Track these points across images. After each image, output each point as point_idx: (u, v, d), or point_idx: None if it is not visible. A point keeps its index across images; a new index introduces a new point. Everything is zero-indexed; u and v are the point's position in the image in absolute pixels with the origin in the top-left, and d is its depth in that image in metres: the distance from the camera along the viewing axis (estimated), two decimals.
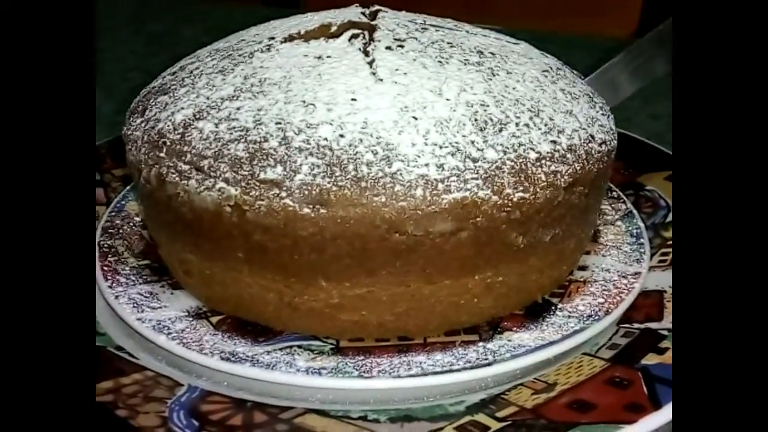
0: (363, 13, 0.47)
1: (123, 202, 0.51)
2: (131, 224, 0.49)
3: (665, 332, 0.40)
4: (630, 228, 0.49)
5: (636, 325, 0.41)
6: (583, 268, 0.46)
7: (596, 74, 0.58)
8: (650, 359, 0.38)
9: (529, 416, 0.35)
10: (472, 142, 0.37)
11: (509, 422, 0.35)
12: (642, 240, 0.48)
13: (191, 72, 0.43)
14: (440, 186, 0.36)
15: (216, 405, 0.36)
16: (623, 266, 0.46)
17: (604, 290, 0.44)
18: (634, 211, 0.51)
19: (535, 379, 0.38)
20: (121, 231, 0.49)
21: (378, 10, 0.47)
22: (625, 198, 0.53)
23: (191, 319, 0.41)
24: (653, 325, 0.41)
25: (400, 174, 0.36)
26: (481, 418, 0.35)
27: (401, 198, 0.36)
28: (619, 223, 0.50)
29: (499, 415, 0.35)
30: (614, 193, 0.53)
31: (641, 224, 0.50)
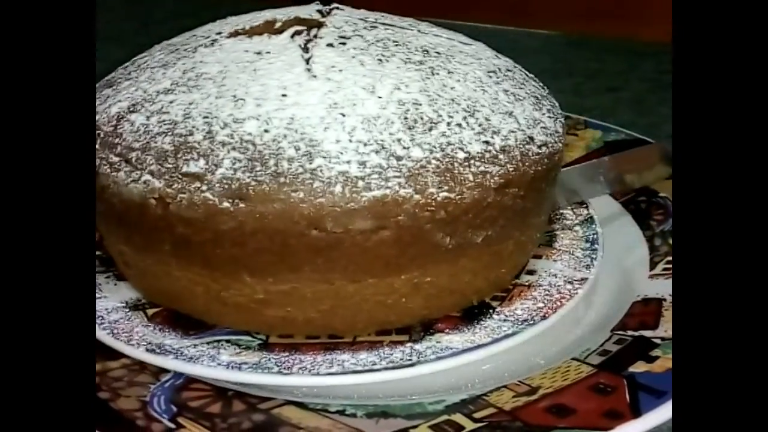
0: (319, 11, 0.47)
1: None
2: None
3: (658, 341, 0.40)
4: (587, 233, 0.48)
5: (630, 332, 0.41)
6: (531, 272, 0.45)
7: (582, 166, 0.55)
8: (638, 367, 0.38)
9: (506, 418, 0.35)
10: (399, 141, 0.37)
11: (485, 423, 0.35)
12: (596, 246, 0.47)
13: (139, 66, 0.44)
14: (360, 183, 0.36)
15: (197, 392, 0.37)
16: (572, 271, 0.45)
17: (546, 295, 0.43)
18: (595, 217, 0.50)
19: (519, 381, 0.38)
20: None
21: (334, 8, 0.47)
22: (588, 203, 0.52)
23: (128, 310, 0.42)
24: (647, 333, 0.41)
25: (321, 170, 0.36)
26: (457, 418, 0.35)
27: (320, 194, 0.36)
28: (577, 228, 0.49)
29: (476, 416, 0.35)
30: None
31: (599, 230, 0.49)
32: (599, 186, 0.52)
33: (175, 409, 0.35)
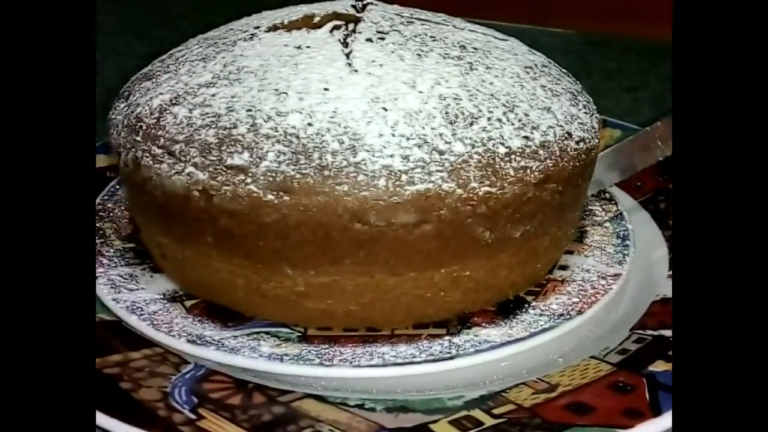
0: (354, 6, 0.47)
1: (118, 187, 0.52)
2: (122, 208, 0.50)
3: None
4: (618, 230, 0.49)
5: (649, 332, 0.41)
6: (564, 267, 0.45)
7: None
8: (658, 366, 0.38)
9: (525, 415, 0.35)
10: (441, 135, 0.37)
11: (504, 419, 0.35)
12: (627, 242, 0.47)
13: (177, 59, 0.44)
14: (404, 177, 0.36)
15: (218, 384, 0.37)
16: (604, 267, 0.45)
17: (581, 290, 0.43)
18: (625, 213, 0.50)
19: (537, 379, 0.38)
20: (111, 214, 0.50)
21: (369, 3, 0.47)
22: (617, 199, 0.52)
23: (166, 301, 0.42)
24: (666, 333, 0.40)
25: (364, 164, 0.36)
26: (476, 413, 0.35)
27: (364, 188, 0.36)
28: (607, 224, 0.49)
29: (495, 412, 0.35)
30: (607, 194, 0.52)
31: (629, 226, 0.49)
32: (618, 172, 0.52)
33: (195, 400, 0.36)
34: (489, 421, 0.35)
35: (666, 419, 0.34)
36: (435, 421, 0.35)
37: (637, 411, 0.34)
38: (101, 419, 0.33)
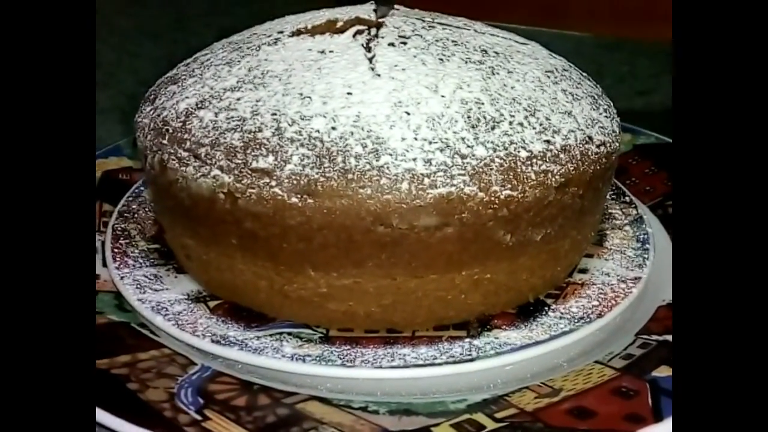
0: (375, 11, 0.47)
1: (142, 188, 0.53)
2: (147, 209, 0.51)
3: None
4: (637, 233, 0.49)
5: (654, 337, 0.41)
6: (584, 270, 0.46)
7: None
8: (661, 371, 0.38)
9: (528, 419, 0.35)
10: (463, 139, 0.38)
11: (506, 423, 0.35)
12: (648, 246, 0.47)
13: (202, 63, 0.44)
14: (426, 181, 0.36)
15: (224, 385, 0.37)
16: (624, 271, 0.45)
17: (601, 293, 0.43)
18: (645, 217, 0.50)
19: (541, 383, 0.38)
20: (136, 215, 0.50)
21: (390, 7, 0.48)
22: (637, 203, 0.52)
23: (190, 302, 0.43)
24: (671, 338, 0.40)
25: (387, 167, 0.36)
26: (479, 417, 0.35)
27: (387, 191, 0.36)
28: (627, 227, 0.50)
29: (497, 416, 0.35)
30: (627, 197, 0.53)
31: (649, 230, 0.49)
32: None
33: (201, 401, 0.36)
34: (491, 425, 0.35)
35: (667, 425, 0.34)
36: (437, 425, 0.35)
37: (639, 416, 0.35)
38: (108, 419, 0.34)
